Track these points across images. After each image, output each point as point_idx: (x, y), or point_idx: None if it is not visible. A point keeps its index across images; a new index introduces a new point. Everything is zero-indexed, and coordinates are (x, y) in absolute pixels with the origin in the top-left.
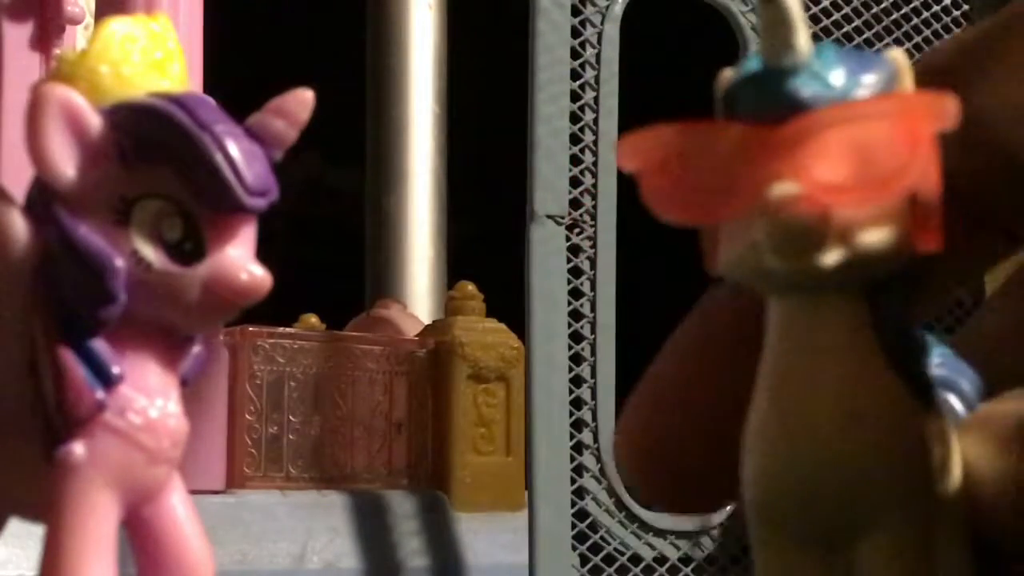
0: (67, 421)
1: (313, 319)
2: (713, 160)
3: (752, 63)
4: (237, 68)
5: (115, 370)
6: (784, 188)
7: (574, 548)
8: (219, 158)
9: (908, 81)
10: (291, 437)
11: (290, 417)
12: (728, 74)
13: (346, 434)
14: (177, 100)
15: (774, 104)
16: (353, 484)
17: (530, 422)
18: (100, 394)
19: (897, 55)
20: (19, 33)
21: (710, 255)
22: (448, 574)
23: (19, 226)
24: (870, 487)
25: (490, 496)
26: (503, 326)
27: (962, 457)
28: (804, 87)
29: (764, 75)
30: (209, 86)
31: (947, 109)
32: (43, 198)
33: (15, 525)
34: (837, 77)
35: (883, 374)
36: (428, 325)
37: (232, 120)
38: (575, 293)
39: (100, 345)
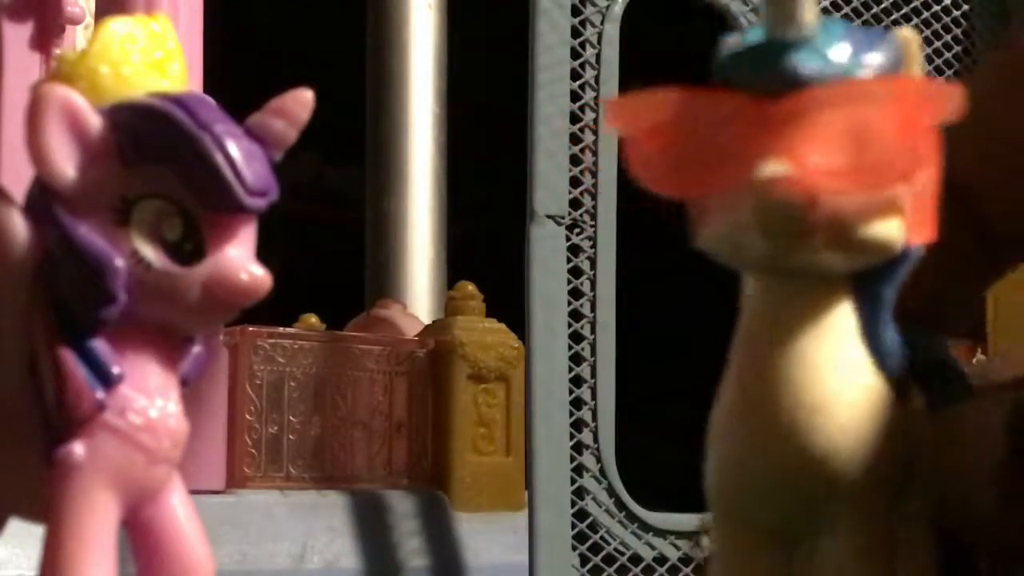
0: (67, 421)
1: (313, 319)
2: (705, 130)
3: (755, 33)
4: (237, 68)
5: (115, 370)
6: (774, 168)
7: (574, 548)
8: (219, 158)
9: (916, 65)
10: (291, 437)
11: (290, 417)
12: (731, 41)
13: (346, 434)
14: (177, 100)
15: (772, 78)
16: (353, 484)
17: (530, 422)
18: (100, 394)
19: (908, 35)
20: (19, 33)
21: (697, 227)
22: (448, 574)
23: (19, 226)
24: (836, 479)
25: (490, 496)
26: (503, 326)
27: (941, 445)
28: (804, 63)
29: (766, 47)
30: (209, 86)
31: (949, 98)
32: (43, 198)
33: (15, 525)
34: (839, 54)
35: (859, 364)
36: (428, 325)
37: (232, 120)
38: (575, 293)
39: (100, 345)
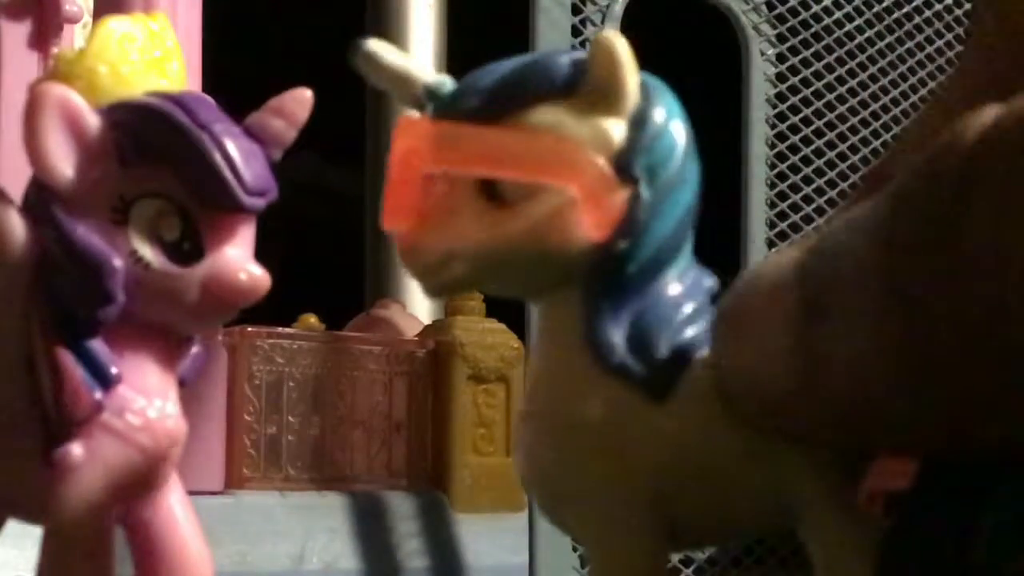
0: (65, 421)
1: (313, 319)
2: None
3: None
4: (237, 68)
5: (113, 370)
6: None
7: (574, 548)
8: (218, 158)
9: (607, 70)
10: (290, 438)
11: (289, 418)
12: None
13: (345, 435)
14: (176, 99)
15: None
16: (352, 485)
17: None
18: (98, 394)
19: (600, 39)
20: (17, 32)
21: None
22: (448, 575)
23: (17, 226)
24: (558, 461)
25: (490, 496)
26: (503, 326)
27: (724, 353)
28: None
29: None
30: (209, 86)
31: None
32: (41, 198)
33: (13, 526)
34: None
35: (585, 369)
36: (428, 325)
37: (231, 119)
38: None
39: (98, 345)
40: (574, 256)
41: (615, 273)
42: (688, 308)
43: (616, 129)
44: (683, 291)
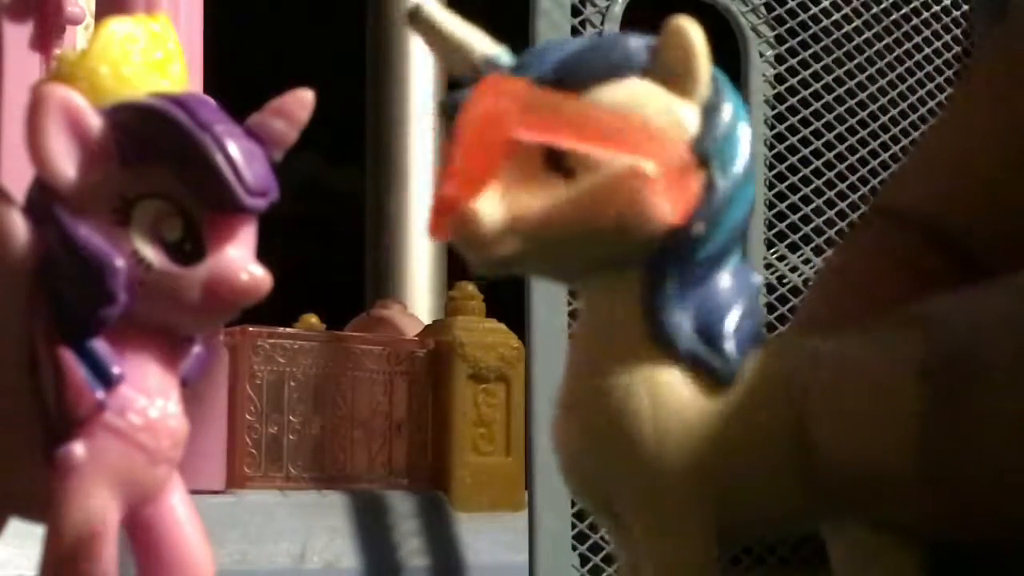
0: (67, 421)
1: (313, 319)
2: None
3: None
4: (237, 68)
5: (115, 370)
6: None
7: (574, 548)
8: (219, 158)
9: (682, 55)
10: (291, 437)
11: (290, 417)
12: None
13: (346, 434)
14: (177, 100)
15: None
16: (353, 484)
17: (530, 422)
18: (100, 394)
19: (673, 24)
20: (19, 33)
21: None
22: (448, 574)
23: (19, 226)
24: (616, 449)
25: (490, 496)
26: (503, 326)
27: (817, 422)
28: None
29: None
30: (209, 86)
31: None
32: (43, 198)
33: (15, 525)
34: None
35: (642, 351)
36: (428, 325)
37: (232, 120)
38: (575, 293)
39: (100, 345)
40: (642, 235)
41: (686, 258)
42: (742, 301)
43: (690, 115)
44: (736, 286)
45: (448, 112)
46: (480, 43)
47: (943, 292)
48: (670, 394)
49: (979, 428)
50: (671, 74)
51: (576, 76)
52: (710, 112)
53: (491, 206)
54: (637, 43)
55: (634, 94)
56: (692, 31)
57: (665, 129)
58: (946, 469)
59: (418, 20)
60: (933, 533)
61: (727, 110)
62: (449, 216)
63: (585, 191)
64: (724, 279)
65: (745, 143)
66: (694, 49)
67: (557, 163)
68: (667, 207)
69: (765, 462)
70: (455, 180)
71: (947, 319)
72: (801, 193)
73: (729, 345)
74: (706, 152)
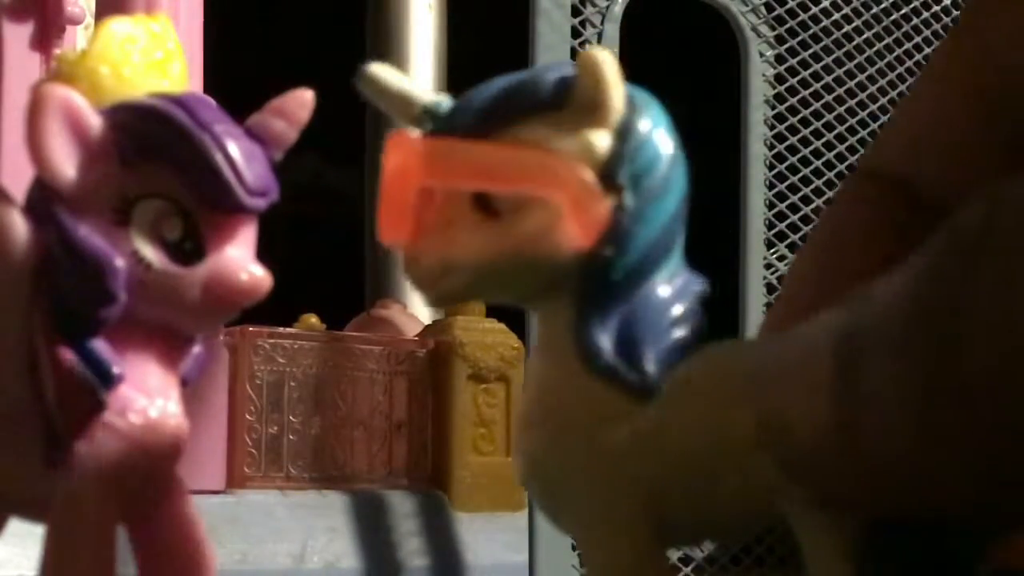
0: (67, 421)
1: (313, 319)
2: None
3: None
4: (237, 68)
5: (115, 370)
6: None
7: (574, 547)
8: (219, 158)
9: (592, 84)
10: (291, 437)
11: (290, 417)
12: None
13: (346, 434)
14: (177, 100)
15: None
16: (353, 484)
17: None
18: (100, 394)
19: (584, 57)
20: (19, 33)
21: None
22: (448, 574)
23: (19, 227)
24: (555, 465)
25: (490, 496)
26: (503, 326)
27: (759, 411)
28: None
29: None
30: (209, 86)
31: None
32: (43, 199)
33: (15, 525)
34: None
35: (575, 370)
36: (428, 325)
37: (232, 120)
38: None
39: (100, 345)
40: (563, 264)
41: (602, 279)
42: (676, 311)
43: (601, 140)
44: (671, 295)
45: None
46: (420, 94)
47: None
48: (598, 411)
49: (874, 400)
50: (583, 104)
51: (490, 120)
52: (622, 134)
53: (427, 248)
54: (551, 79)
55: (542, 130)
56: (603, 62)
57: (570, 159)
58: (855, 441)
59: (365, 81)
60: (864, 510)
61: (642, 126)
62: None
63: (508, 229)
64: (655, 291)
65: (662, 155)
66: (604, 79)
67: (484, 205)
68: (576, 235)
69: (698, 470)
70: (385, 230)
71: (869, 294)
72: (801, 193)
73: (650, 359)
74: (614, 174)
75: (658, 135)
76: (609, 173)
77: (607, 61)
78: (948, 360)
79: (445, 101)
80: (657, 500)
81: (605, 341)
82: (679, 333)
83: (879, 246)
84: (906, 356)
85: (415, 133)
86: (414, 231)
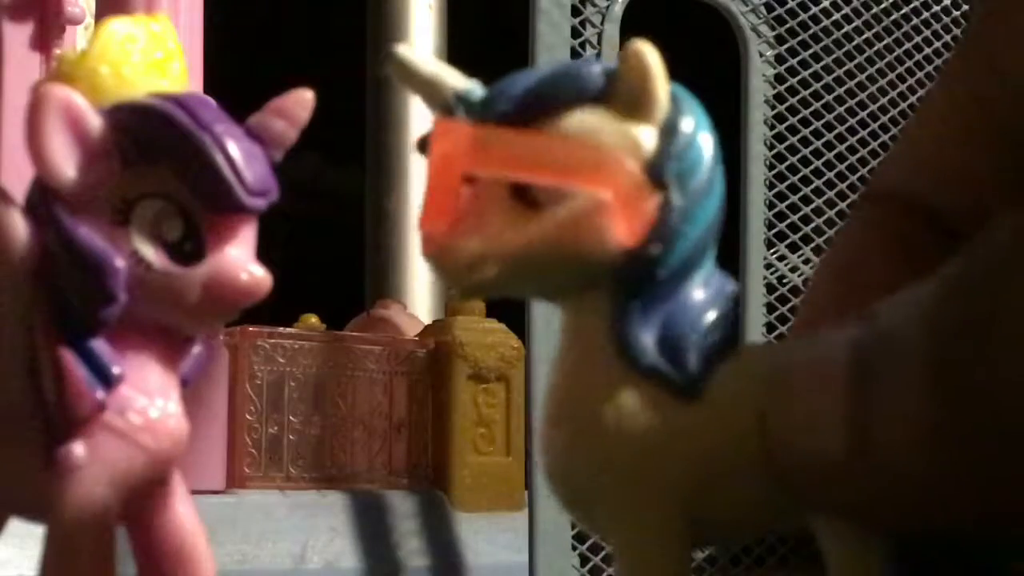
0: (67, 421)
1: (313, 319)
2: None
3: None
4: (237, 68)
5: (115, 370)
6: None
7: (574, 548)
8: (219, 158)
9: (638, 81)
10: (291, 437)
11: (290, 417)
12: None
13: (346, 434)
14: (177, 100)
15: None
16: (353, 484)
17: (530, 422)
18: (100, 394)
19: (631, 48)
20: (19, 33)
21: None
22: (448, 574)
23: (19, 227)
24: (588, 464)
25: (490, 496)
26: (503, 326)
27: (762, 415)
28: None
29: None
30: (209, 86)
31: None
32: (43, 199)
33: (15, 525)
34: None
35: (611, 369)
36: (428, 325)
37: (232, 120)
38: None
39: (100, 345)
40: (604, 260)
41: (646, 277)
42: (713, 314)
43: (647, 136)
44: (708, 297)
45: (422, 149)
46: (452, 79)
47: (934, 270)
48: (637, 410)
49: (890, 410)
50: (628, 98)
51: (535, 109)
52: (668, 131)
53: (462, 239)
54: (595, 71)
55: (588, 122)
56: (648, 54)
57: (619, 154)
58: (866, 452)
59: (392, 62)
60: (879, 521)
61: (686, 126)
62: (430, 249)
63: (548, 221)
64: (694, 292)
65: (706, 155)
66: (650, 72)
67: (523, 196)
68: (623, 231)
69: (735, 471)
70: (428, 218)
71: (887, 307)
72: (801, 193)
73: (692, 359)
74: (661, 172)
75: (702, 135)
76: (655, 170)
77: (653, 54)
78: (972, 373)
79: (477, 88)
80: (692, 501)
81: (648, 340)
82: (717, 334)
83: (894, 269)
84: (928, 368)
85: (455, 120)
86: (450, 221)
